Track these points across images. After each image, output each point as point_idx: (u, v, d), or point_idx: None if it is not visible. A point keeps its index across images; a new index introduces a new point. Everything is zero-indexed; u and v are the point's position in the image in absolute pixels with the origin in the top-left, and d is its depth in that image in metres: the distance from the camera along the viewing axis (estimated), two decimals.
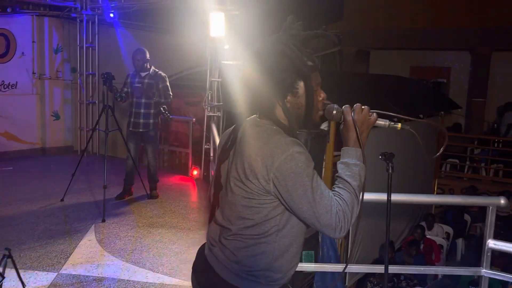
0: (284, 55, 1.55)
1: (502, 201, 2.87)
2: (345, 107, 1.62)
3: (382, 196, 2.45)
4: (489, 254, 2.92)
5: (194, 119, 7.37)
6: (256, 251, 1.57)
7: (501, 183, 10.04)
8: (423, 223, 7.71)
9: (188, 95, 7.97)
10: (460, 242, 8.11)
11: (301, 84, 1.58)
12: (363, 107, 1.61)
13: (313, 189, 1.45)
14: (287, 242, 1.59)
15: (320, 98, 1.64)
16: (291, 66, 1.55)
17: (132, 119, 5.52)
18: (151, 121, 5.52)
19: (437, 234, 7.73)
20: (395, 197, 2.59)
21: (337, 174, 1.57)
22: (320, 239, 4.91)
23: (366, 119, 1.60)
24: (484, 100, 11.67)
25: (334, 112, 1.63)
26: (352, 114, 1.59)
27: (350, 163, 1.56)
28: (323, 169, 5.40)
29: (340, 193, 1.52)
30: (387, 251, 1.98)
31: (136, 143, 5.62)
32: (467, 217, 8.76)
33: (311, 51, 1.61)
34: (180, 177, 7.08)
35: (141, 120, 5.49)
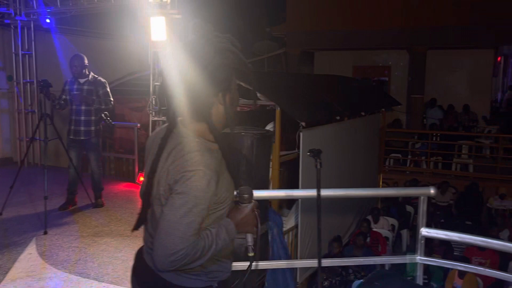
0: (226, 53, 1.51)
1: (432, 190, 3.02)
2: (254, 203, 1.62)
3: (312, 192, 2.53)
4: (422, 242, 3.06)
5: (139, 125, 7.28)
6: None
7: (441, 175, 10.56)
8: (369, 217, 7.97)
9: (132, 101, 7.86)
10: (405, 233, 8.44)
11: (234, 80, 1.57)
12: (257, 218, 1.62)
13: (191, 210, 1.43)
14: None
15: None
16: (232, 64, 1.52)
17: (72, 127, 5.38)
18: (92, 128, 5.40)
19: (383, 226, 8.00)
20: (325, 192, 2.67)
21: (214, 231, 1.54)
22: (270, 238, 4.99)
23: (248, 223, 1.60)
24: (422, 96, 12.24)
25: (246, 195, 1.61)
26: (258, 218, 1.60)
27: (221, 237, 1.54)
28: (270, 169, 5.49)
29: (207, 237, 1.50)
30: (319, 245, 2.05)
31: (78, 152, 5.49)
32: (410, 208, 9.13)
33: (241, 46, 1.57)
34: (127, 184, 6.96)
35: (82, 128, 5.36)
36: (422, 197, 3.01)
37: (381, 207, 8.81)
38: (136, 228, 1.71)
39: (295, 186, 5.74)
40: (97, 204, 5.70)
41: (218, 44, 1.52)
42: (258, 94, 5.56)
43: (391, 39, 12.19)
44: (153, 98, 6.47)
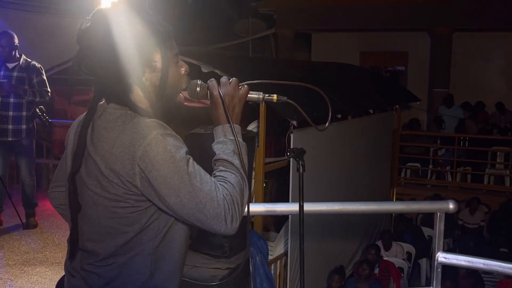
0: (141, 21, 1.60)
1: (451, 205, 3.07)
2: (210, 81, 1.70)
3: (292, 207, 2.54)
4: (439, 270, 3.11)
5: None
6: (129, 271, 1.60)
7: (470, 189, 10.63)
8: (379, 243, 8.02)
9: (76, 93, 7.82)
10: (424, 262, 8.51)
11: (158, 56, 1.63)
12: (231, 80, 1.70)
13: (190, 174, 1.51)
14: (170, 252, 1.65)
15: (183, 71, 1.71)
16: (147, 33, 1.60)
17: None
18: (24, 126, 5.41)
19: (396, 254, 8.06)
20: (312, 206, 2.68)
21: (214, 158, 1.65)
22: (251, 268, 5.00)
23: (236, 92, 1.68)
24: (447, 91, 12.37)
25: (198, 89, 1.71)
26: (219, 88, 1.67)
27: (228, 140, 1.64)
28: (253, 180, 5.51)
29: (223, 176, 1.59)
30: (302, 275, 2.07)
31: (4, 157, 5.50)
32: (431, 232, 9.21)
33: (159, 16, 1.67)
34: None
35: (10, 126, 5.37)
36: (438, 214, 3.06)
37: (394, 230, 8.88)
38: (73, 251, 1.70)
39: (285, 201, 5.76)
40: (29, 224, 5.69)
41: (147, 16, 1.62)
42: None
43: (409, 18, 12.33)
44: None
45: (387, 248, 8.02)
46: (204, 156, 1.77)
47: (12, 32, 5.42)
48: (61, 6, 8.80)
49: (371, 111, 8.03)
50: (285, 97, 1.78)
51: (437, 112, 11.76)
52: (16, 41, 5.39)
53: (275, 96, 1.77)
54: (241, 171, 1.61)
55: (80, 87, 7.89)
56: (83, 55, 1.60)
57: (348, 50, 13.68)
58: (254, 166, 5.58)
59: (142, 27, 1.61)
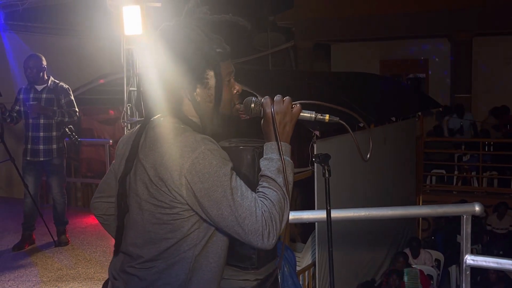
0: (190, 40, 1.72)
1: (477, 207, 3.10)
2: (265, 99, 1.77)
3: (319, 214, 2.60)
4: (468, 272, 3.12)
5: (111, 141, 7.38)
6: (168, 277, 1.67)
7: (497, 194, 10.53)
8: (407, 250, 8.00)
9: (101, 112, 7.99)
10: (453, 269, 8.44)
11: (211, 74, 1.74)
12: (284, 98, 1.77)
13: (232, 189, 1.59)
14: (207, 262, 1.71)
15: (235, 91, 1.81)
16: (198, 53, 1.71)
17: (29, 146, 5.47)
18: (54, 146, 5.49)
19: (425, 262, 8.03)
20: (339, 213, 2.73)
21: (260, 173, 1.71)
22: (280, 279, 5.04)
23: (288, 111, 1.75)
24: (469, 96, 12.31)
25: (252, 105, 1.78)
26: (272, 106, 1.74)
27: (274, 158, 1.71)
28: None
29: (264, 193, 1.65)
30: (332, 281, 2.12)
31: (36, 176, 5.56)
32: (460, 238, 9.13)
33: (220, 37, 1.78)
34: None
35: (41, 146, 5.45)
36: (465, 216, 3.08)
37: (423, 237, 8.86)
38: (117, 249, 1.81)
39: (311, 209, 5.81)
40: (61, 241, 5.75)
41: (194, 33, 1.73)
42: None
43: (428, 25, 12.31)
44: (128, 107, 6.58)
45: (415, 255, 7.99)
46: None
47: (39, 55, 5.54)
48: (82, 27, 8.99)
49: (393, 119, 8.05)
50: (337, 118, 1.82)
51: (441, 122, 11.74)
52: (44, 63, 5.50)
53: (327, 116, 1.81)
54: (284, 189, 1.66)
55: (105, 106, 8.09)
56: (144, 69, 1.75)
57: (368, 59, 13.68)
58: None
59: (199, 44, 1.71)
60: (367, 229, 6.83)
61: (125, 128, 6.65)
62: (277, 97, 1.77)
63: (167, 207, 1.64)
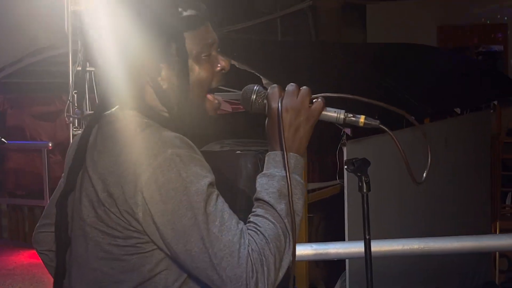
0: (143, 5, 1.71)
1: None
2: (272, 88, 1.74)
3: (351, 247, 2.54)
4: None
5: (50, 144, 7.35)
6: None
7: None
8: None
9: (36, 102, 7.96)
10: None
11: (176, 48, 1.73)
12: (301, 88, 1.73)
13: (208, 215, 1.55)
14: None
15: (218, 67, 1.79)
16: (157, 20, 1.70)
17: None
18: None
19: None
20: (382, 245, 2.67)
21: (255, 196, 1.69)
22: None
23: (305, 107, 1.71)
24: None
25: (253, 96, 1.76)
26: (280, 100, 1.70)
27: (277, 175, 1.67)
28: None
29: (256, 224, 1.61)
30: None
31: None
32: None
33: None
34: (30, 252, 6.99)
35: None
36: None
37: (501, 282, 8.82)
38: None
39: (339, 240, 5.77)
40: None
41: None
42: (264, 81, 5.64)
43: None
44: (75, 95, 6.56)
45: None
46: (219, 183, 1.74)
47: None
48: None
49: (458, 110, 8.01)
50: (378, 121, 1.77)
51: None
52: None
53: (362, 118, 1.76)
54: (285, 220, 1.62)
55: (42, 94, 8.05)
56: (88, 48, 1.78)
57: (421, 24, 13.64)
58: None
59: (158, 7, 1.71)
60: (421, 269, 6.78)
61: (71, 125, 6.63)
62: (289, 87, 1.73)
63: (120, 236, 1.61)
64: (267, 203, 1.63)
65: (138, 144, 1.62)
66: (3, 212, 8.06)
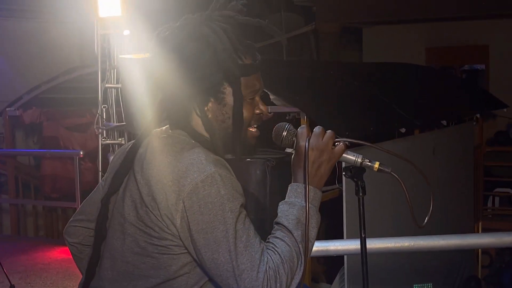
0: (206, 43, 1.74)
1: None
2: (301, 128, 1.82)
3: (349, 244, 2.59)
4: None
5: (82, 153, 7.40)
6: None
7: None
8: None
9: (69, 115, 8.03)
10: None
11: (229, 90, 1.78)
12: (327, 131, 1.81)
13: (237, 231, 1.62)
14: None
15: (258, 111, 1.85)
16: (215, 61, 1.74)
17: None
18: None
19: None
20: (376, 243, 2.73)
21: (275, 219, 1.75)
22: None
23: (328, 148, 1.78)
24: None
25: (284, 133, 1.83)
26: (308, 139, 1.77)
27: (297, 204, 1.74)
28: None
29: (274, 245, 1.68)
30: None
31: None
32: None
33: (252, 43, 1.83)
34: (63, 249, 7.04)
35: None
36: None
37: (484, 276, 8.81)
38: (86, 285, 1.85)
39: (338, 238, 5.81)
40: None
41: (214, 35, 1.74)
42: (272, 96, 5.70)
43: (489, 2, 12.25)
44: (103, 109, 6.66)
45: None
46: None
47: None
48: (44, 9, 8.93)
49: (444, 122, 8.05)
50: (390, 168, 1.85)
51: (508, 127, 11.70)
52: None
53: (376, 164, 1.84)
54: (300, 245, 1.68)
55: (74, 108, 8.16)
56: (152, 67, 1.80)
57: (411, 46, 13.53)
58: None
59: (217, 50, 1.73)
60: (412, 264, 6.81)
61: (100, 135, 6.73)
62: (316, 129, 1.80)
63: (156, 236, 1.67)
64: (286, 228, 1.70)
65: (185, 160, 1.67)
66: (39, 213, 8.13)
